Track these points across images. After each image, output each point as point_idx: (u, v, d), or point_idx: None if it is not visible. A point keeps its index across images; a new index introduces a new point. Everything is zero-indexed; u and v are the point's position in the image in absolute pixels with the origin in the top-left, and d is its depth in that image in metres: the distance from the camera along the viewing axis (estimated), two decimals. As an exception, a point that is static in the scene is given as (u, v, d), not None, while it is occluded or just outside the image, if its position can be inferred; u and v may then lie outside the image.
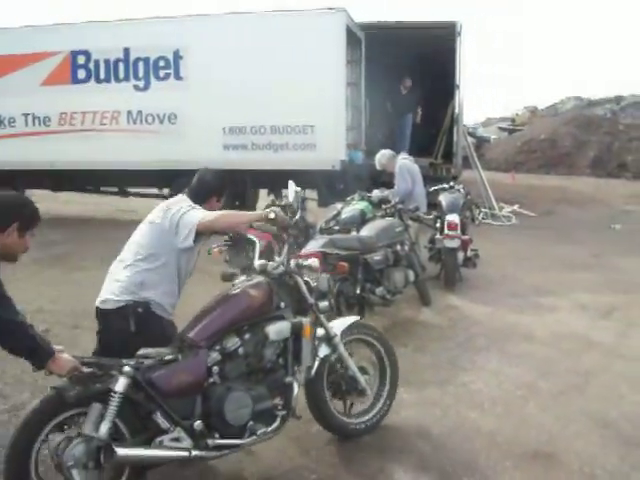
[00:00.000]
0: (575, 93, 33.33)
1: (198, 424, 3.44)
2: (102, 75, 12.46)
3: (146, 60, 12.31)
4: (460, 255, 8.09)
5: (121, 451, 3.16)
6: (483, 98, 77.70)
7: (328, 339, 4.16)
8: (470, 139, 25.29)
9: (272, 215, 3.90)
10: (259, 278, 3.92)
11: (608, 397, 4.98)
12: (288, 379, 3.83)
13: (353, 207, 8.17)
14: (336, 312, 6.05)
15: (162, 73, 12.29)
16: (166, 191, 12.74)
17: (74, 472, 3.13)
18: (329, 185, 11.99)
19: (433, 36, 13.32)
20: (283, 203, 7.99)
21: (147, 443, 3.32)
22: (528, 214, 13.80)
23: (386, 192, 8.32)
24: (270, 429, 3.70)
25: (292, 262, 4.04)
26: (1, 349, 3.09)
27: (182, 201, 4.01)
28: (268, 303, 3.85)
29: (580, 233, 12.17)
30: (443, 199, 8.63)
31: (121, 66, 12.42)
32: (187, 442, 3.38)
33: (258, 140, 11.92)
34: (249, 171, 11.95)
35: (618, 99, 29.82)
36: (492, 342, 6.17)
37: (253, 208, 11.34)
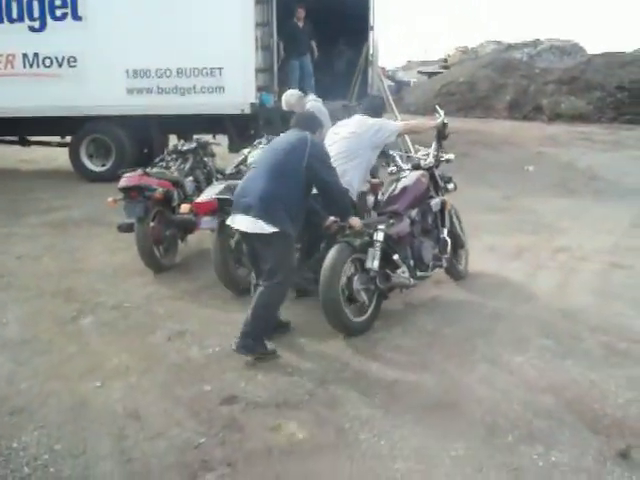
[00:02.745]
0: (495, 37, 33.25)
1: (411, 262, 5.32)
2: (-7, 16, 11.50)
3: (41, -1, 11.41)
4: (370, 199, 7.83)
5: (393, 277, 5.03)
6: (403, 42, 77.11)
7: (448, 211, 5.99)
8: (390, 82, 25.06)
9: (446, 120, 5.84)
10: (419, 171, 5.77)
11: (514, 341, 4.86)
12: (442, 235, 5.82)
13: (259, 152, 7.80)
14: (236, 263, 5.78)
15: (59, 12, 11.36)
16: (69, 139, 12.12)
17: (362, 293, 4.90)
18: (239, 129, 11.54)
19: (347, -26, 12.85)
20: (184, 149, 7.59)
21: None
22: (444, 157, 13.59)
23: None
24: (441, 265, 5.77)
25: (430, 159, 5.90)
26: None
27: (366, 118, 5.63)
28: (429, 186, 5.78)
29: (494, 175, 12.08)
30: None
31: (14, 5, 11.42)
32: (407, 274, 5.13)
33: (164, 83, 11.23)
34: (155, 116, 11.36)
35: (536, 43, 29.96)
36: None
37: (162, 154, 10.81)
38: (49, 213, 9.12)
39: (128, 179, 6.31)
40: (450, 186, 6.12)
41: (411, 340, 4.89)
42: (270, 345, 4.61)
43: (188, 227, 6.62)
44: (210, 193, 5.66)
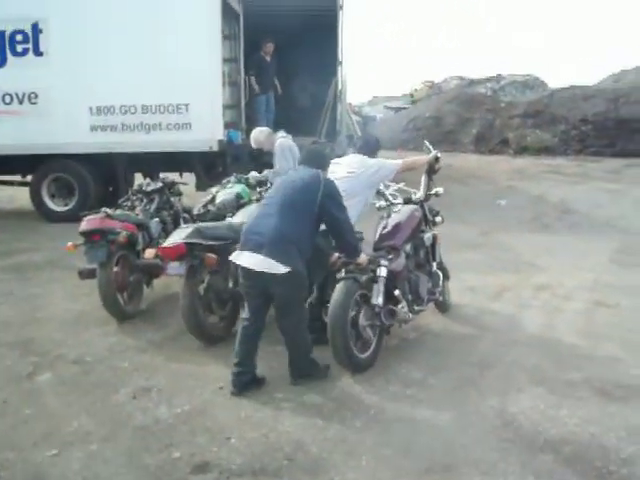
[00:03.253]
0: (457, 73, 33.55)
1: (409, 297, 5.29)
2: (-47, 51, 11.10)
3: (1, 34, 10.99)
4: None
5: (398, 312, 4.99)
6: (369, 77, 77.77)
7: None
8: (356, 118, 24.99)
9: (439, 154, 5.90)
10: (412, 206, 5.77)
11: (505, 391, 4.56)
12: (434, 269, 5.87)
13: (228, 191, 7.50)
14: (206, 310, 5.43)
15: (20, 48, 10.99)
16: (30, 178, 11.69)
17: (367, 329, 4.85)
18: (207, 167, 11.30)
19: (315, 9, 12.71)
20: (149, 189, 7.25)
21: None
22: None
23: (265, 172, 7.72)
24: (435, 298, 5.82)
25: (421, 193, 5.90)
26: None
27: (365, 157, 5.61)
28: (421, 220, 5.78)
29: (466, 210, 11.85)
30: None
31: (-27, 41, 11.10)
32: (406, 309, 5.09)
33: (128, 120, 10.94)
34: (120, 154, 11.04)
35: (498, 78, 30.26)
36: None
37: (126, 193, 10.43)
38: (9, 256, 8.70)
39: (89, 222, 5.94)
40: (438, 219, 6.12)
41: (397, 392, 4.56)
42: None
43: (154, 272, 6.27)
44: (177, 237, 5.30)
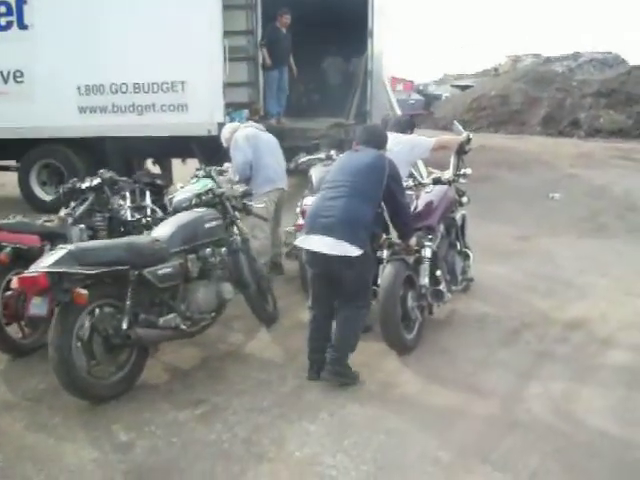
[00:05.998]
0: (534, 51, 31.36)
1: (448, 277, 5.42)
2: None
3: (-18, 6, 9.91)
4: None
5: (445, 292, 5.15)
6: (441, 55, 74.73)
7: None
8: (418, 97, 23.33)
9: (471, 135, 5.92)
10: (445, 186, 5.63)
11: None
12: (464, 249, 5.92)
13: (189, 187, 6.11)
14: (92, 360, 4.03)
15: (3, 21, 9.85)
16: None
17: (415, 310, 4.91)
18: (208, 153, 9.85)
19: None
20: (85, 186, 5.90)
21: None
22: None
23: (226, 165, 6.46)
24: (468, 279, 5.91)
25: (450, 173, 5.76)
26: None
27: (398, 135, 5.59)
28: (454, 201, 5.82)
29: (512, 205, 10.02)
30: (314, 174, 6.52)
31: (-47, 15, 9.99)
32: (446, 288, 5.21)
33: (120, 100, 9.63)
34: (112, 138, 9.75)
35: (576, 56, 28.15)
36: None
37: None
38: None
39: (-39, 237, 4.60)
40: (464, 199, 6.07)
41: None
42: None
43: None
44: (44, 263, 3.88)
